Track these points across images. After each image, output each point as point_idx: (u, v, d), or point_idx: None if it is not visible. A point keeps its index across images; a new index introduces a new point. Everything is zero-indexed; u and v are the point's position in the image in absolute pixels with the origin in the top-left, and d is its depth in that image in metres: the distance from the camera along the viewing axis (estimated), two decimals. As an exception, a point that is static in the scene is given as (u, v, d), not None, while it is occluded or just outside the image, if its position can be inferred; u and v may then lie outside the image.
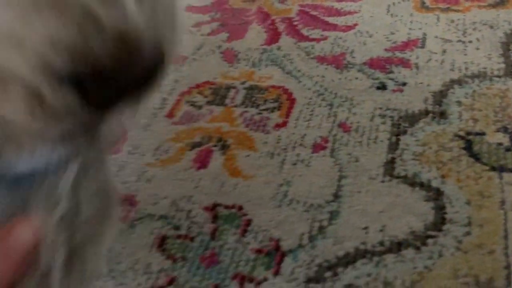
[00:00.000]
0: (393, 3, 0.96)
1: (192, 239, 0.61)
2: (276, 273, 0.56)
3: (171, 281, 0.56)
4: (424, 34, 0.87)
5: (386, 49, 0.85)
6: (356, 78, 0.80)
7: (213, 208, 0.64)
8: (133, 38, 0.21)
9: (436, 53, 0.82)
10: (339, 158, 0.68)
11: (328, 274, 0.55)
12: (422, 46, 0.84)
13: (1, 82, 0.21)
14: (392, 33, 0.89)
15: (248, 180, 0.67)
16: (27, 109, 0.21)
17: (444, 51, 0.83)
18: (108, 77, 0.21)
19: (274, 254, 0.58)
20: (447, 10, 0.92)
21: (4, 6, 0.21)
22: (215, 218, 0.63)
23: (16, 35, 0.20)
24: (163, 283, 0.56)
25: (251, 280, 0.56)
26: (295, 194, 0.64)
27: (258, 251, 0.58)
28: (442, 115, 0.71)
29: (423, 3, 0.95)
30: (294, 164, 0.68)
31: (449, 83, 0.76)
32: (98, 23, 0.21)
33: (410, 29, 0.89)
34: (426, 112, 0.72)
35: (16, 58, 0.20)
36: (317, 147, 0.70)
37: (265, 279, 0.56)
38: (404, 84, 0.77)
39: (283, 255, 0.58)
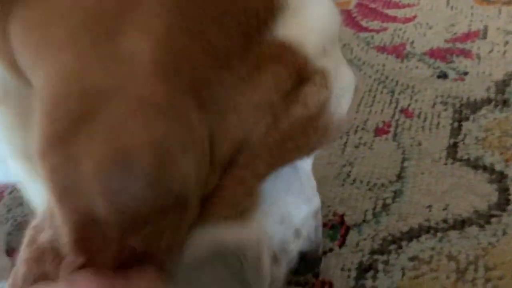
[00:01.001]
0: (453, -4, 0.97)
1: (259, 212, 0.64)
2: (341, 244, 0.59)
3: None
4: (485, 26, 0.88)
5: (446, 40, 0.86)
6: (417, 67, 0.82)
7: (278, 185, 0.68)
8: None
9: (498, 44, 0.83)
10: (401, 142, 0.70)
11: (392, 247, 0.57)
12: (484, 38, 0.85)
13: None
14: (452, 25, 0.90)
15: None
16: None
17: (506, 43, 0.83)
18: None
19: (339, 228, 0.60)
20: (509, 3, 0.92)
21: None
22: (280, 194, 0.66)
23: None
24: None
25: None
26: (358, 174, 0.67)
27: (323, 225, 0.61)
28: (505, 103, 0.72)
29: (484, -4, 0.96)
30: (357, 146, 0.71)
31: (511, 73, 0.77)
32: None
33: (470, 21, 0.90)
34: (489, 100, 0.73)
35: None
36: (379, 131, 0.72)
37: (331, 250, 0.58)
38: (466, 73, 0.79)
39: (348, 228, 0.60)
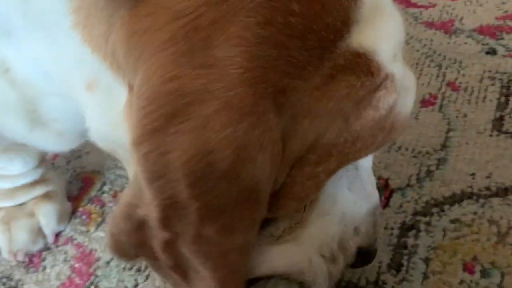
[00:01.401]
0: (505, -25, 0.97)
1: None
2: (385, 206, 0.61)
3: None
4: (537, 5, 0.88)
5: (496, 18, 0.86)
6: (465, 43, 0.83)
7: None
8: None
9: (550, 23, 0.83)
10: (447, 113, 0.71)
11: (435, 209, 0.59)
12: (535, 16, 0.85)
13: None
14: (503, 3, 0.89)
15: (356, 128, 0.73)
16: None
17: (558, 22, 0.83)
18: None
19: (383, 190, 0.63)
20: (563, -18, 0.91)
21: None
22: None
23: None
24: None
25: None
26: (403, 142, 0.69)
27: (368, 187, 0.64)
28: (554, 80, 0.72)
29: (537, -25, 0.95)
30: (402, 116, 0.73)
31: (562, 51, 0.77)
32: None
33: (522, 0, 0.90)
34: (538, 77, 0.74)
35: None
36: (425, 103, 0.74)
37: (375, 210, 0.61)
38: (515, 50, 0.79)
39: (392, 191, 0.63)
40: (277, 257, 0.42)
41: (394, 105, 0.35)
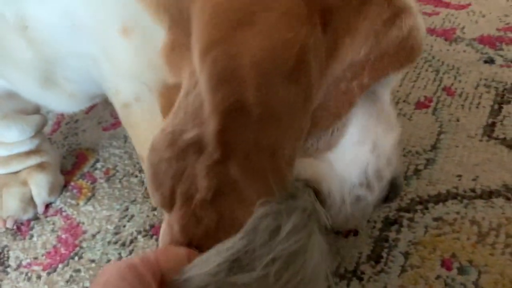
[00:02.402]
0: (511, -11, 0.98)
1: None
2: (371, 199, 0.62)
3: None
4: (539, 19, 0.88)
5: (498, 29, 0.87)
6: (464, 51, 0.84)
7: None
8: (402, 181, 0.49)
9: (549, 37, 0.84)
10: (440, 117, 0.72)
11: (419, 207, 0.60)
12: (536, 30, 0.86)
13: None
14: (506, 15, 0.90)
15: (350, 125, 0.74)
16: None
17: (558, 37, 0.84)
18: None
19: (370, 185, 0.64)
20: None
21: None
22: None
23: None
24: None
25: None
26: (394, 141, 0.70)
27: (356, 181, 0.65)
28: (548, 92, 0.73)
29: (542, -8, 0.96)
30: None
31: (559, 65, 0.78)
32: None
33: (525, 13, 0.91)
34: (532, 88, 0.74)
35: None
36: (420, 105, 0.75)
37: (360, 203, 0.62)
38: (513, 61, 0.80)
39: (379, 186, 0.64)
40: (303, 167, 0.44)
41: (413, 27, 0.40)
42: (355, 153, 0.45)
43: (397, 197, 0.51)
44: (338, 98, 0.40)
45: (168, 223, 0.38)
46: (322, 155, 0.44)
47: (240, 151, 0.35)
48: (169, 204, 0.38)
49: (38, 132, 0.68)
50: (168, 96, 0.39)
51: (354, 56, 0.39)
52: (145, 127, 0.44)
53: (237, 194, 0.36)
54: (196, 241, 0.37)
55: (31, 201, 0.68)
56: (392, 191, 0.48)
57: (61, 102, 0.50)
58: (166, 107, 0.39)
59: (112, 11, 0.39)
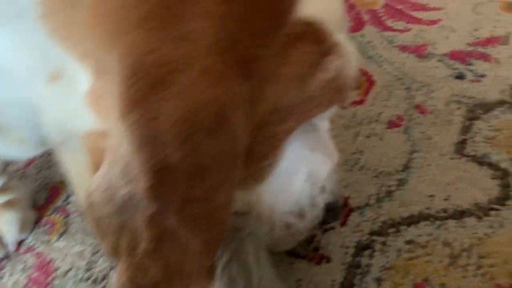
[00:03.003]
0: (480, 3, 0.99)
1: (268, 190, 0.68)
2: (343, 224, 0.62)
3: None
4: (508, 32, 0.89)
5: (468, 44, 0.88)
6: (436, 67, 0.84)
7: (289, 167, 0.71)
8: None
9: (518, 50, 0.84)
10: (412, 135, 0.72)
11: (391, 230, 0.60)
12: (505, 43, 0.86)
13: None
14: (476, 30, 0.91)
15: (323, 147, 0.73)
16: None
17: (527, 49, 0.84)
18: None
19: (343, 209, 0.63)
20: (535, 11, 0.93)
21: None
22: (290, 175, 0.70)
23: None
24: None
25: (319, 227, 0.62)
26: (366, 162, 0.70)
27: (328, 205, 0.64)
28: (518, 106, 0.73)
29: (511, 4, 0.97)
30: (368, 136, 0.74)
31: (529, 78, 0.78)
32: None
33: (494, 27, 0.91)
34: (502, 102, 0.75)
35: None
36: (392, 124, 0.75)
37: (332, 228, 0.61)
38: (483, 75, 0.80)
39: (351, 210, 0.63)
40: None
41: (341, 66, 0.40)
42: (287, 184, 0.46)
43: (336, 220, 0.54)
44: (263, 143, 0.40)
45: (117, 275, 0.38)
46: (252, 187, 0.45)
47: (174, 204, 0.35)
48: (115, 255, 0.38)
49: (4, 169, 0.67)
50: (94, 143, 0.39)
51: (279, 102, 0.39)
52: (75, 172, 0.43)
53: (179, 243, 0.37)
54: None
55: (1, 240, 0.67)
56: (329, 215, 0.50)
57: (11, 149, 0.50)
58: (93, 154, 0.39)
59: (39, 56, 0.39)
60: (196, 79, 0.34)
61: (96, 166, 0.38)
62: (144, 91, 0.33)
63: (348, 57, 0.40)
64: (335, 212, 0.50)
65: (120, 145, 0.34)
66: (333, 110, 0.46)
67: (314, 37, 0.38)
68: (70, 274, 0.63)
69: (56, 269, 0.64)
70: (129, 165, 0.34)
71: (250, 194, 0.45)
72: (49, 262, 0.65)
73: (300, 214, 0.47)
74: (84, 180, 0.39)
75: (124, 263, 0.37)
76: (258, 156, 0.41)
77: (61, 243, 0.67)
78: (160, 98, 0.33)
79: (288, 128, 0.41)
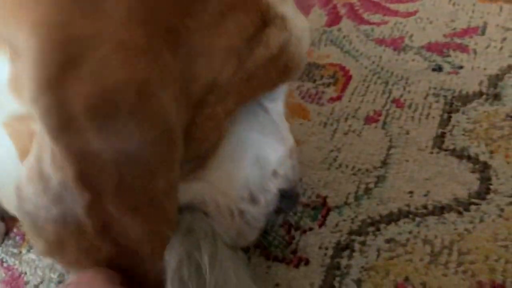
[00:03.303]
0: (456, -7, 0.97)
1: (245, 191, 0.66)
2: (321, 224, 0.60)
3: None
4: (485, 22, 0.88)
5: (445, 35, 0.87)
6: (413, 60, 0.83)
7: (266, 167, 0.69)
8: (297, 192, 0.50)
9: (495, 40, 0.83)
10: (390, 130, 0.71)
11: (370, 229, 0.58)
12: (482, 34, 0.85)
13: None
14: (453, 21, 0.90)
15: (300, 145, 0.72)
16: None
17: (504, 39, 0.83)
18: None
19: (321, 209, 0.62)
20: (510, 0, 0.92)
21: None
22: (267, 175, 0.68)
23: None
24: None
25: (297, 229, 0.60)
26: (344, 159, 0.68)
27: (306, 205, 0.63)
28: (496, 97, 0.72)
29: (487, -6, 0.96)
30: (346, 133, 0.72)
31: (506, 68, 0.77)
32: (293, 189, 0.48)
33: (471, 17, 0.90)
34: (480, 94, 0.73)
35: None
36: (369, 120, 0.73)
37: (311, 229, 0.60)
38: (461, 67, 0.79)
39: (329, 209, 0.61)
40: (181, 193, 0.41)
41: (287, 44, 0.36)
42: (234, 168, 0.43)
43: (294, 208, 0.53)
44: (204, 124, 0.37)
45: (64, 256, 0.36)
46: (199, 175, 0.42)
47: (108, 191, 0.33)
48: (56, 248, 0.35)
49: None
50: (16, 127, 0.36)
51: (216, 79, 0.35)
52: None
53: (122, 228, 0.34)
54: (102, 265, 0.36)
55: (-32, 255, 0.64)
56: (285, 202, 0.47)
57: None
58: (18, 141, 0.36)
59: None
60: (111, 55, 0.30)
61: (23, 154, 0.35)
62: (54, 71, 0.30)
63: (296, 33, 0.37)
64: (292, 199, 0.48)
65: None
66: (283, 91, 0.43)
67: (252, 7, 0.35)
68: (42, 287, 0.60)
69: (27, 283, 0.61)
70: (54, 152, 0.31)
71: (197, 183, 0.42)
72: (19, 276, 0.62)
73: (252, 199, 0.45)
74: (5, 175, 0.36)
75: (73, 248, 0.35)
76: (199, 138, 0.38)
77: (31, 255, 0.64)
78: (71, 78, 0.30)
79: (228, 108, 0.37)
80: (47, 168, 0.33)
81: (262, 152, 0.44)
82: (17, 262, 0.64)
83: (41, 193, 0.34)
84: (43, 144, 0.32)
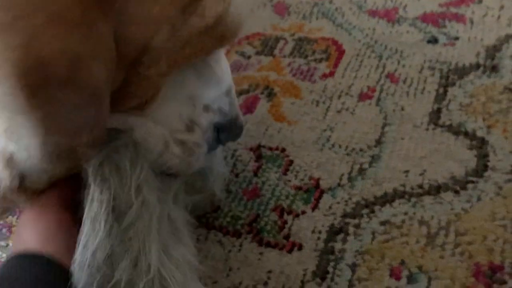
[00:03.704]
0: (452, -40, 0.93)
1: (236, 175, 0.64)
2: (314, 207, 0.58)
3: (216, 209, 0.60)
4: (482, -10, 0.85)
5: (440, 4, 0.83)
6: (407, 32, 0.80)
7: (257, 149, 0.67)
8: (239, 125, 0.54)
9: (493, 8, 0.80)
10: (384, 107, 0.68)
11: (365, 211, 0.56)
12: (479, 2, 0.82)
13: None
14: (449, -11, 0.86)
15: (292, 125, 0.69)
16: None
17: (502, 7, 0.80)
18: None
19: (313, 191, 0.60)
20: (509, -34, 0.89)
21: None
22: (259, 157, 0.66)
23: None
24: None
25: (289, 213, 0.58)
26: (337, 139, 0.66)
27: (298, 188, 0.61)
28: (494, 68, 0.70)
29: (484, -41, 0.92)
30: (339, 111, 0.70)
31: (504, 38, 0.74)
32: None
33: (467, -15, 0.87)
34: (477, 66, 0.71)
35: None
36: (363, 96, 0.71)
37: (303, 212, 0.58)
38: (457, 38, 0.76)
39: (322, 192, 0.60)
40: (117, 121, 0.45)
41: (224, 15, 0.38)
42: (169, 107, 0.46)
43: (235, 139, 0.57)
44: (138, 83, 0.39)
45: None
46: (136, 112, 0.44)
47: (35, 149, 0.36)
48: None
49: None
50: None
51: (148, 43, 0.37)
52: None
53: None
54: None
55: (-47, 248, 0.63)
56: (224, 135, 0.52)
57: None
58: None
59: None
60: (46, 26, 0.31)
61: None
62: None
63: (236, 3, 0.39)
64: (232, 132, 0.53)
65: None
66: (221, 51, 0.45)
67: None
68: (30, 280, 0.59)
69: (15, 276, 0.60)
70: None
71: (134, 118, 0.45)
72: (7, 269, 0.61)
73: (188, 130, 0.48)
74: None
75: None
76: (136, 94, 0.40)
77: (19, 247, 0.63)
78: (4, 48, 0.30)
79: (162, 71, 0.39)
80: None
81: (195, 91, 0.47)
82: (4, 255, 0.63)
83: None
84: None
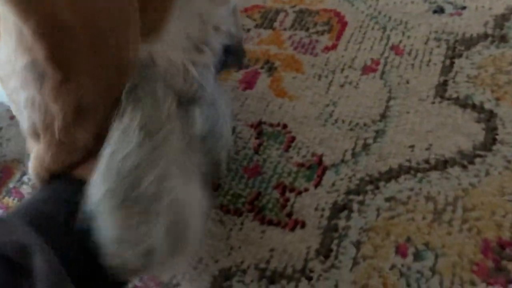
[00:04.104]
0: None
1: (237, 152, 0.62)
2: (317, 184, 0.57)
3: (216, 187, 0.59)
4: (490, -43, 0.81)
5: (446, -27, 0.80)
6: (412, 2, 0.77)
7: (258, 126, 0.65)
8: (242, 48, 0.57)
9: (501, -24, 0.77)
10: (389, 80, 0.66)
11: (369, 187, 0.55)
12: (487, -31, 0.79)
13: None
14: (455, -44, 0.83)
15: (293, 100, 0.67)
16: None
17: (510, -26, 0.77)
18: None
19: (316, 168, 0.58)
20: None
21: None
22: (260, 134, 0.64)
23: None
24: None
25: (292, 190, 0.57)
26: (340, 114, 0.64)
27: (301, 165, 0.59)
28: (503, 38, 0.67)
29: None
30: (342, 85, 0.67)
31: (513, 7, 0.71)
32: None
33: (475, -48, 0.83)
34: (485, 36, 0.68)
35: None
36: (367, 69, 0.68)
37: (306, 190, 0.56)
38: (464, 7, 0.73)
39: (325, 168, 0.58)
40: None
41: None
42: (180, 26, 0.46)
43: (240, 62, 0.59)
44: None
45: (37, 157, 0.37)
46: (153, 38, 0.44)
47: (82, 69, 0.34)
48: (34, 134, 0.36)
49: None
50: None
51: None
52: None
53: (96, 111, 0.36)
54: (73, 167, 0.38)
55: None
56: (231, 58, 0.53)
57: None
58: None
59: None
60: None
61: None
62: None
63: None
64: (236, 55, 0.53)
65: (7, 11, 0.32)
66: None
67: None
68: (28, 261, 0.58)
69: (13, 257, 0.59)
70: (23, 32, 0.32)
71: (151, 45, 0.44)
72: (4, 250, 0.60)
73: (197, 49, 0.48)
74: None
75: (43, 143, 0.35)
76: (154, 10, 0.41)
77: (17, 228, 0.62)
78: None
79: None
80: (12, 52, 0.33)
81: (204, 10, 0.48)
82: (2, 236, 0.61)
83: (11, 77, 0.35)
84: (7, 26, 0.33)
